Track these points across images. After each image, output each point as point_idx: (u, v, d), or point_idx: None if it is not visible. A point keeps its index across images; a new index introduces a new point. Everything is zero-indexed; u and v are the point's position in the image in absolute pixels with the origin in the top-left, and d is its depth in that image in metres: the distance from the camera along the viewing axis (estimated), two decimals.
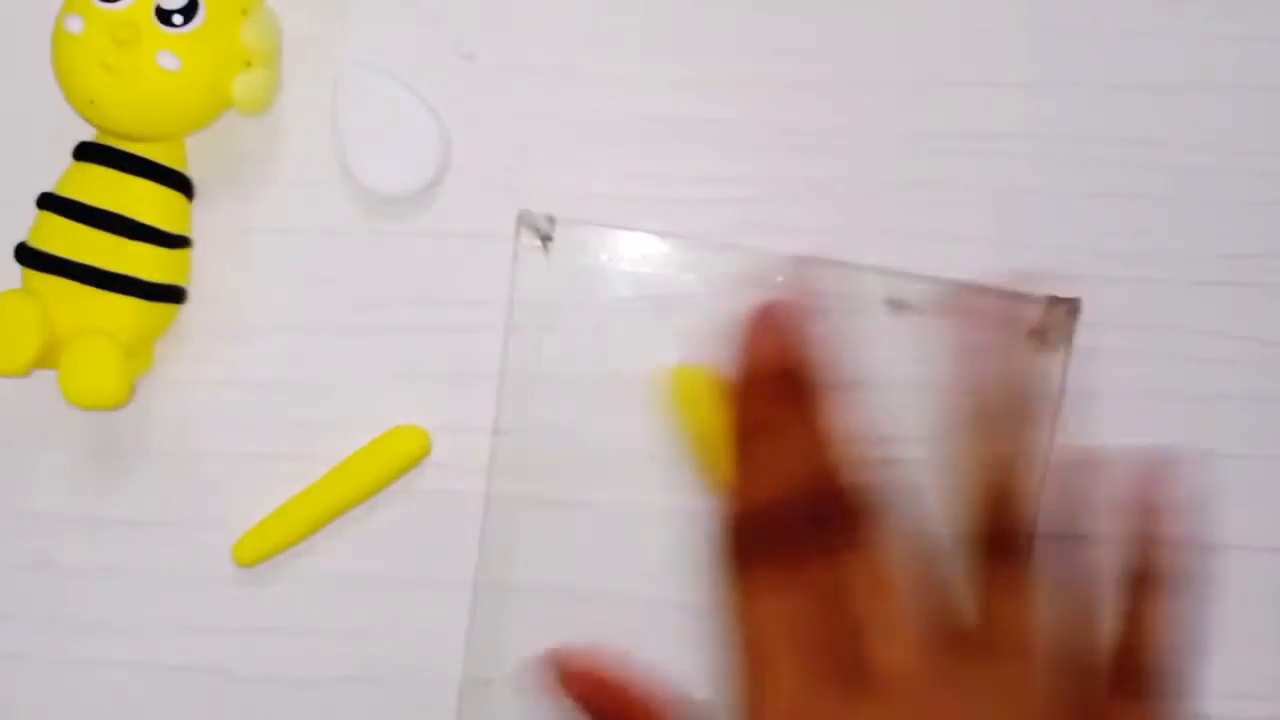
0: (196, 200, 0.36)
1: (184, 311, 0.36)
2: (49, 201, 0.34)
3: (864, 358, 0.36)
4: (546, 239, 0.35)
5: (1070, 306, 0.36)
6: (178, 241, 0.35)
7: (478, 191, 0.36)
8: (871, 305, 0.36)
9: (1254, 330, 0.37)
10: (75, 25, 0.33)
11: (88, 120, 0.34)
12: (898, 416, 0.36)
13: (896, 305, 0.36)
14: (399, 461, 0.36)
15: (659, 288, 0.36)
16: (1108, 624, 0.25)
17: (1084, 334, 0.36)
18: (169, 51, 0.33)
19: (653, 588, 0.36)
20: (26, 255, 0.34)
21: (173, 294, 0.35)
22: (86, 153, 0.35)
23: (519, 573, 0.36)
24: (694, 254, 0.36)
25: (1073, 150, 0.36)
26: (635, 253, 0.36)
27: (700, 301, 0.36)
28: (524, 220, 0.35)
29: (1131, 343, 0.37)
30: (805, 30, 0.36)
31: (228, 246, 0.36)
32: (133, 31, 0.33)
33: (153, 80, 0.34)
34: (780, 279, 0.36)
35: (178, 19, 0.33)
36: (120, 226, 0.34)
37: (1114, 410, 0.37)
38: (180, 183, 0.35)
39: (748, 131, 0.36)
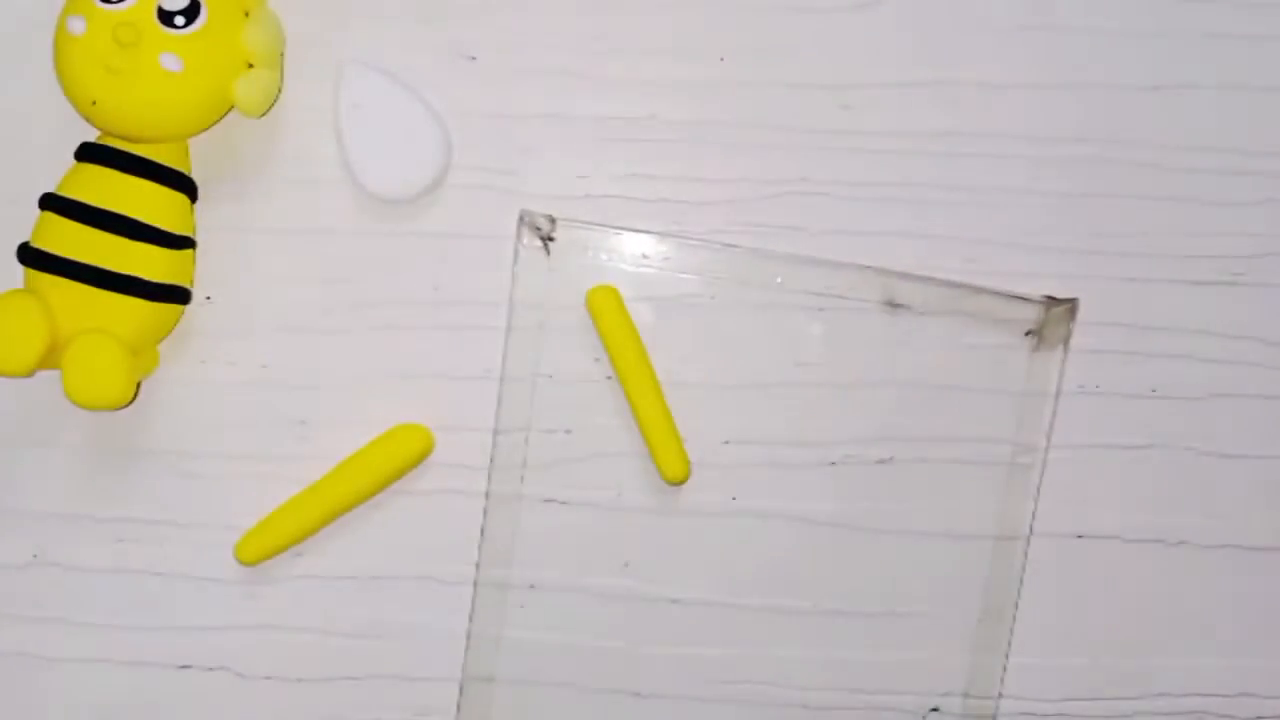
0: (197, 200, 0.36)
1: (184, 311, 0.36)
2: (51, 202, 0.34)
3: (864, 358, 0.36)
4: (547, 239, 0.35)
5: (1068, 307, 0.36)
6: (181, 242, 0.35)
7: (478, 191, 0.36)
8: (871, 305, 0.36)
9: (1254, 330, 0.37)
10: (77, 26, 0.33)
11: (90, 121, 0.34)
12: (896, 416, 0.37)
13: (895, 306, 0.36)
14: (405, 459, 0.36)
15: (659, 288, 0.36)
16: None
17: (1083, 334, 0.36)
18: (171, 53, 0.33)
19: (653, 586, 0.37)
20: (29, 256, 0.34)
21: (176, 294, 0.35)
22: (89, 153, 0.34)
23: (519, 572, 0.36)
24: (694, 254, 0.36)
25: (1072, 150, 0.37)
26: (635, 253, 0.36)
27: (700, 301, 0.36)
28: (524, 220, 0.35)
29: (1131, 343, 0.37)
30: (805, 30, 0.36)
31: (228, 246, 0.36)
32: (134, 33, 0.33)
33: (155, 82, 0.33)
34: (780, 279, 0.36)
35: (180, 20, 0.33)
36: (123, 227, 0.34)
37: (1113, 410, 0.37)
38: (183, 183, 0.35)
39: (748, 131, 0.36)
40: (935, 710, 0.37)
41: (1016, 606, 0.37)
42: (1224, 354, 0.37)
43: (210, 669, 0.37)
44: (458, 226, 0.36)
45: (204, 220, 0.36)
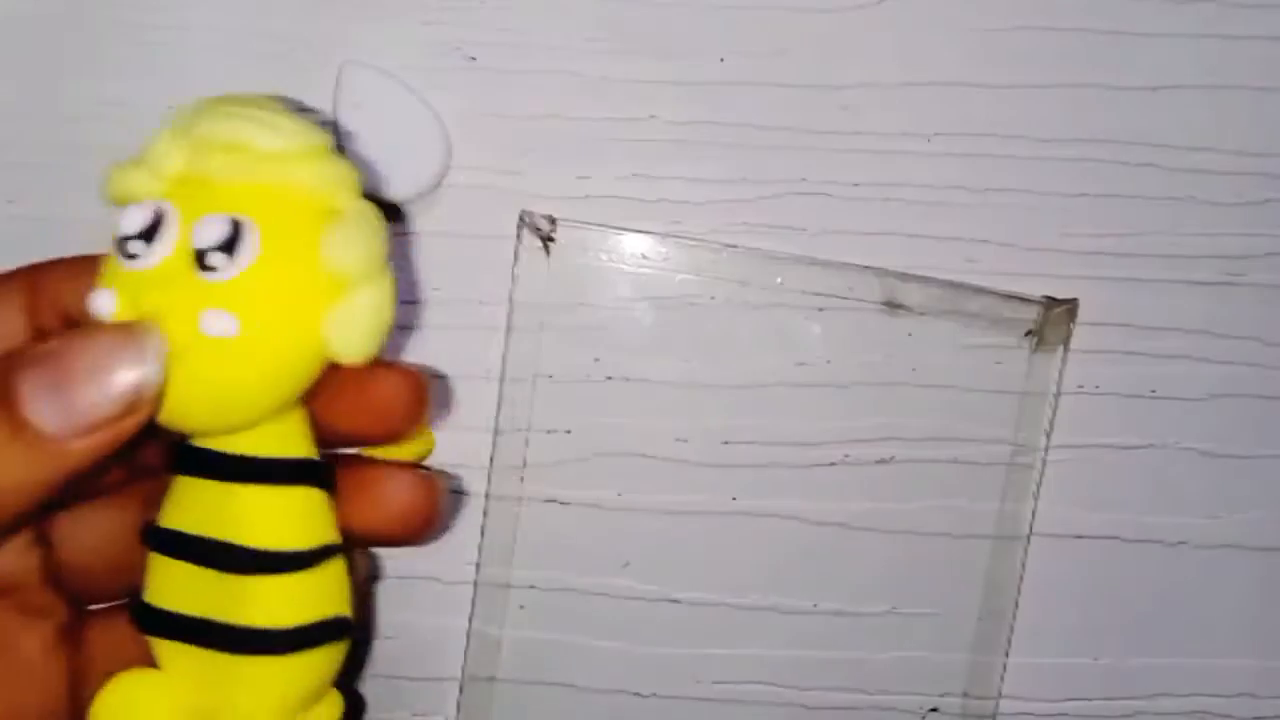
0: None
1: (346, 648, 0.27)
2: (151, 536, 0.25)
3: (864, 358, 0.36)
4: (547, 239, 0.35)
5: (1068, 307, 0.36)
6: (312, 559, 0.25)
7: (478, 191, 0.36)
8: (871, 305, 0.36)
9: (1254, 330, 0.37)
10: (103, 304, 0.23)
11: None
12: (896, 416, 0.37)
13: (895, 306, 0.36)
14: (405, 459, 0.36)
15: (659, 288, 0.36)
16: None
17: (1083, 334, 0.36)
18: (217, 309, 0.22)
19: (652, 586, 0.37)
20: (135, 613, 0.25)
21: (328, 633, 0.25)
22: (180, 462, 0.25)
23: (519, 572, 0.36)
24: (694, 254, 0.36)
25: (1072, 150, 0.37)
26: (635, 253, 0.36)
27: (700, 301, 0.36)
28: (524, 220, 0.35)
29: (1131, 343, 0.37)
30: (805, 30, 0.36)
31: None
32: (162, 298, 0.23)
33: (206, 357, 0.23)
34: (780, 279, 0.36)
35: (215, 259, 0.23)
36: (236, 563, 0.24)
37: (1113, 410, 0.37)
38: (302, 471, 0.25)
39: (748, 132, 0.36)
40: (934, 710, 0.37)
41: (1016, 606, 0.37)
42: (1224, 354, 0.37)
43: None
44: (458, 227, 0.36)
45: None
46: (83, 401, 0.22)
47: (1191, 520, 0.37)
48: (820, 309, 0.36)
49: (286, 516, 0.25)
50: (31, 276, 0.27)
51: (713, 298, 0.36)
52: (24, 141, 0.36)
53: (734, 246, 0.36)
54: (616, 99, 0.36)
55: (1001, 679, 0.37)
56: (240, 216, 0.23)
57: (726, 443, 0.36)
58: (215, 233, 0.22)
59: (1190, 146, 0.37)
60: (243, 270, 0.23)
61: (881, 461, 0.37)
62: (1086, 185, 0.37)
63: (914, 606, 0.37)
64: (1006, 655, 0.37)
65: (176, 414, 0.23)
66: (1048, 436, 0.36)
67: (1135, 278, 0.37)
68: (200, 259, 0.22)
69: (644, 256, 0.36)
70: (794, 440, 0.36)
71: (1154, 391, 0.37)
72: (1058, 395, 0.36)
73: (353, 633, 0.26)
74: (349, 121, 0.35)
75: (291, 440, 0.25)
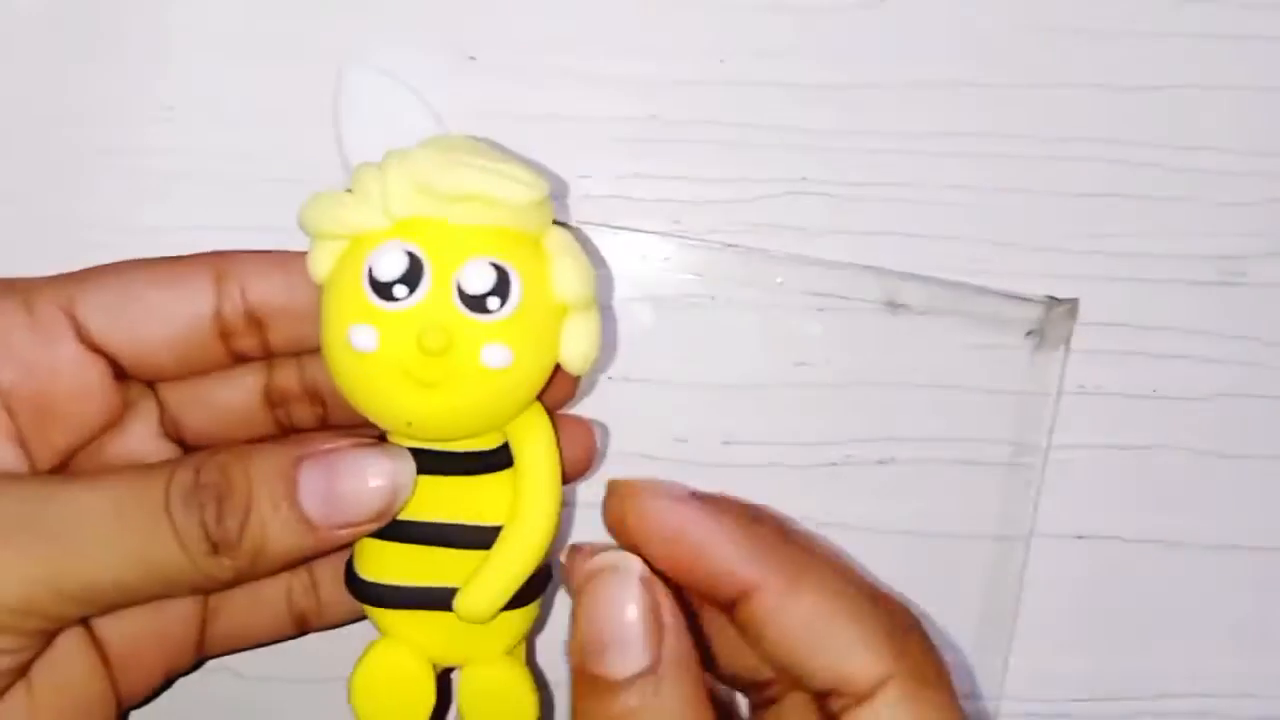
0: (193, 201, 0.36)
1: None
2: (388, 530, 0.28)
3: (864, 358, 0.36)
4: None
5: (1069, 307, 0.36)
6: None
7: None
8: (871, 305, 0.36)
9: (1254, 330, 0.37)
10: (367, 341, 0.26)
11: (401, 437, 0.28)
12: (896, 416, 0.37)
13: (895, 306, 0.36)
14: None
15: (659, 288, 0.36)
16: None
17: (1083, 334, 0.36)
18: (495, 344, 0.26)
19: None
20: (374, 594, 0.29)
21: (543, 582, 0.30)
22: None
23: None
24: (694, 254, 0.36)
25: (1072, 150, 0.37)
26: (635, 253, 0.36)
27: (700, 301, 0.36)
28: None
29: (1131, 343, 0.37)
30: (805, 30, 0.36)
31: (228, 248, 0.36)
32: (445, 338, 0.26)
33: (482, 384, 0.26)
34: (780, 279, 0.36)
35: (493, 303, 0.26)
36: (475, 538, 0.28)
37: (1114, 410, 0.37)
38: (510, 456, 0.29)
39: (748, 131, 0.36)
40: None
41: (1017, 607, 0.37)
42: (1224, 354, 0.37)
43: (210, 669, 0.36)
44: None
45: (203, 222, 0.36)
46: (344, 502, 0.26)
47: (1192, 520, 0.37)
48: (820, 309, 0.36)
49: (508, 494, 0.28)
50: (218, 261, 0.30)
51: (713, 298, 0.36)
52: (24, 142, 0.36)
53: (734, 246, 0.36)
54: (616, 99, 0.36)
55: (1003, 681, 0.37)
56: (500, 261, 0.26)
57: (726, 443, 0.36)
58: (487, 278, 0.26)
59: (1190, 146, 0.37)
60: (513, 310, 0.26)
61: (882, 462, 0.37)
62: (1087, 185, 0.37)
63: (914, 607, 0.37)
64: (1008, 657, 0.37)
65: (443, 430, 0.28)
66: (1049, 436, 0.36)
67: (1136, 277, 0.37)
68: (476, 302, 0.26)
69: (644, 256, 0.36)
70: (794, 440, 0.36)
71: (1154, 391, 0.37)
72: (1059, 395, 0.36)
73: (549, 582, 0.30)
74: (349, 121, 0.35)
75: (503, 433, 0.29)
